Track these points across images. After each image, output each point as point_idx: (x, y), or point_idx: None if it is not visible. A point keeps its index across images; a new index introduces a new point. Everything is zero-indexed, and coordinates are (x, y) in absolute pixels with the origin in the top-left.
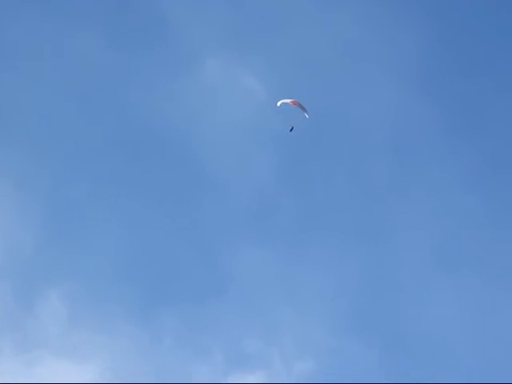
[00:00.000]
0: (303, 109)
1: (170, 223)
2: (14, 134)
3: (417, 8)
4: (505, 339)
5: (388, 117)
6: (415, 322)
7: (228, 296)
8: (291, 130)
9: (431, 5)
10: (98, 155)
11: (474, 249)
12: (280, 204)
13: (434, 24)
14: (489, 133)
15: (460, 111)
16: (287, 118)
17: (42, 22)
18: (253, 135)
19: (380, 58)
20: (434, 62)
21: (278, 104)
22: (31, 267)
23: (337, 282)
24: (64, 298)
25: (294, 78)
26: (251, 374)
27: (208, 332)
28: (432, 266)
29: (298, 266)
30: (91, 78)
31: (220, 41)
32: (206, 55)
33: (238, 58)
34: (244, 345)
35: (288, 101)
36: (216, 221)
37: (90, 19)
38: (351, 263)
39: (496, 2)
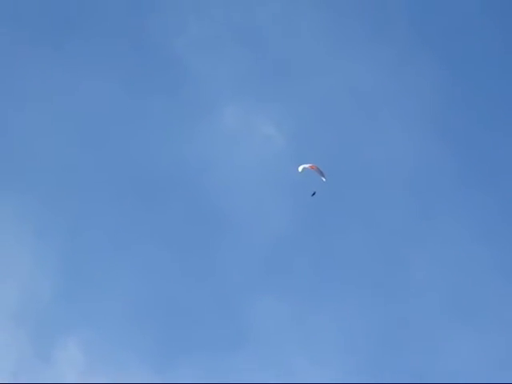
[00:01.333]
0: (321, 173)
1: (186, 270)
2: (28, 180)
3: (430, 52)
4: None
5: (403, 165)
6: (429, 374)
7: (245, 346)
8: (313, 194)
9: (445, 48)
10: (113, 201)
11: (490, 298)
12: (296, 254)
13: (448, 68)
14: (505, 180)
15: (475, 158)
16: (308, 181)
17: (55, 65)
18: (270, 182)
19: (394, 104)
20: (449, 107)
21: (300, 169)
22: (48, 315)
23: (351, 333)
24: (81, 346)
25: (311, 126)
26: None
27: (225, 382)
28: (447, 317)
29: (313, 318)
30: (106, 123)
31: (238, 87)
32: (223, 101)
33: (256, 105)
34: None
35: (307, 166)
36: (232, 268)
37: (105, 63)
38: (366, 315)
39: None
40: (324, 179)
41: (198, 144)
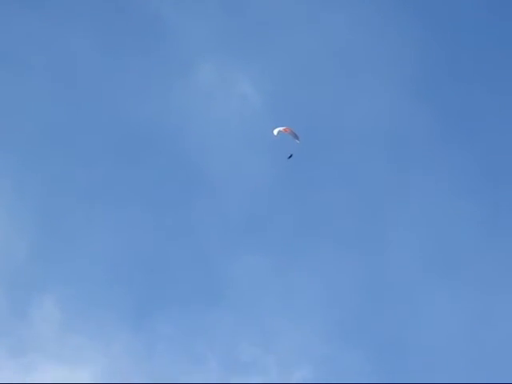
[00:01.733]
0: (295, 135)
1: (164, 227)
2: (6, 137)
3: (412, 11)
4: (498, 342)
5: (383, 122)
6: (409, 327)
7: (224, 302)
8: (290, 157)
9: (426, 9)
10: (91, 159)
11: (468, 253)
12: (276, 210)
13: (429, 27)
14: (483, 138)
15: (455, 116)
16: (284, 143)
17: (33, 22)
18: (247, 140)
19: (375, 63)
20: (430, 67)
21: (275, 133)
22: (25, 273)
23: (332, 289)
24: (58, 303)
25: (289, 84)
26: (248, 382)
27: (203, 339)
28: (426, 271)
29: (293, 273)
30: (85, 81)
31: (215, 45)
32: (201, 59)
33: (234, 63)
34: (240, 352)
35: (282, 128)
36: (211, 226)
37: (84, 21)
38: (346, 270)
39: (493, 7)
40: (298, 141)
41: (174, 101)
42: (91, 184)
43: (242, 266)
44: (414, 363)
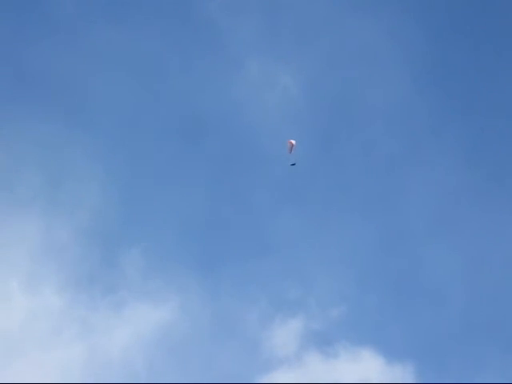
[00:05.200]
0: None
1: (223, 194)
2: (94, 123)
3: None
4: (490, 285)
5: (397, 104)
6: (418, 271)
7: (271, 253)
8: (293, 164)
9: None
10: (165, 142)
11: (465, 214)
12: (312, 179)
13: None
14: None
15: (462, 94)
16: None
17: (118, 27)
18: (289, 122)
19: (391, 56)
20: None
21: (288, 152)
22: (116, 231)
23: (356, 242)
24: (142, 254)
25: (322, 75)
26: (292, 318)
27: (256, 283)
28: (432, 227)
29: (326, 229)
30: (158, 75)
31: (261, 44)
32: (250, 56)
33: (276, 59)
34: (285, 293)
35: (289, 145)
36: (261, 191)
37: (158, 27)
38: (368, 227)
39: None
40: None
41: (230, 91)
42: (165, 162)
43: (285, 225)
44: (421, 299)
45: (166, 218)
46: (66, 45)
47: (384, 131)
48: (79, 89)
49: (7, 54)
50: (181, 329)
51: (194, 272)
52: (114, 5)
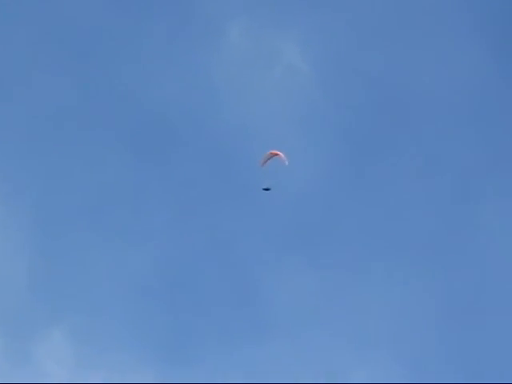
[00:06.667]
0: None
1: (197, 238)
2: None
3: None
4: None
5: (470, 95)
6: (499, 359)
7: (273, 335)
8: (267, 189)
9: None
10: (104, 154)
11: None
12: (331, 211)
13: None
14: None
15: None
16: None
17: None
18: (297, 120)
19: (441, 22)
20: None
21: (261, 164)
22: (24, 305)
23: (407, 314)
24: (68, 337)
25: (340, 49)
26: None
27: (250, 380)
28: None
29: (355, 292)
30: (104, 53)
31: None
32: (231, 21)
33: (271, 25)
34: None
35: (267, 155)
36: (254, 234)
37: None
38: (425, 288)
39: None
40: (287, 162)
41: (207, 76)
42: (100, 184)
43: (293, 286)
44: None
45: (104, 279)
46: None
47: (448, 135)
48: None
49: None
50: None
51: (148, 367)
52: None
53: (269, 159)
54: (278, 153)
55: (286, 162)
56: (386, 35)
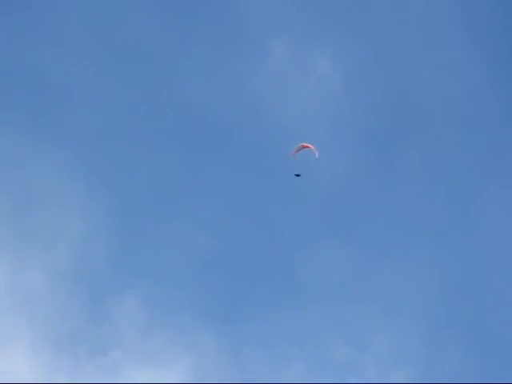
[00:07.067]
0: (312, 149)
1: (243, 223)
2: (76, 133)
3: None
4: None
5: (473, 99)
6: (505, 322)
7: (310, 301)
8: (298, 175)
9: None
10: (164, 152)
11: None
12: (360, 199)
13: None
14: None
15: None
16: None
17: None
18: (330, 124)
19: (455, 38)
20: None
21: (292, 154)
22: (104, 275)
23: (427, 285)
24: (139, 304)
25: (368, 62)
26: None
27: (291, 339)
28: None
29: (384, 268)
30: (154, 70)
31: (288, 22)
32: (274, 38)
33: (309, 41)
34: (331, 353)
35: (298, 146)
36: (293, 218)
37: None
38: (438, 264)
39: None
40: (317, 155)
41: (251, 85)
42: (164, 181)
43: (326, 263)
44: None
45: (169, 255)
46: (37, 37)
47: (458, 134)
48: (50, 86)
49: None
50: None
51: (208, 326)
52: None
53: (300, 150)
54: (309, 145)
55: (317, 154)
56: (401, 49)
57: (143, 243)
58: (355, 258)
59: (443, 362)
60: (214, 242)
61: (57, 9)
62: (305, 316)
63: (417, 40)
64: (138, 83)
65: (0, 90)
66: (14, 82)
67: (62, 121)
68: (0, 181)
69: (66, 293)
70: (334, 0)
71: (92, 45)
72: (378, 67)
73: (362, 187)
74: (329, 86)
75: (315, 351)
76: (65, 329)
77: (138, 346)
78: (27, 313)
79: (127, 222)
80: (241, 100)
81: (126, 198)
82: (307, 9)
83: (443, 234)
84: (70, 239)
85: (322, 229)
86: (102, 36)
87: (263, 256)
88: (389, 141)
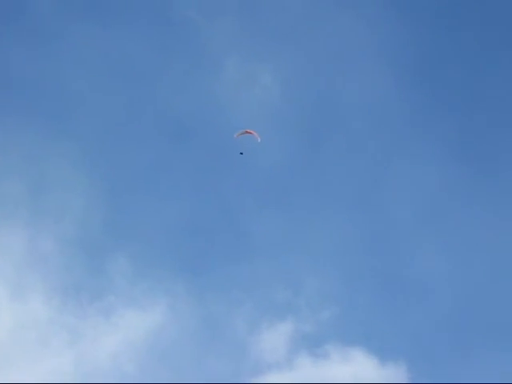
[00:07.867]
0: (254, 134)
1: (206, 198)
2: (77, 131)
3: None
4: (478, 281)
5: (380, 101)
6: (407, 270)
7: (256, 255)
8: (241, 153)
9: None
10: (148, 145)
11: (452, 211)
12: (294, 178)
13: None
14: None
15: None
16: (242, 143)
17: (94, 32)
18: (270, 122)
19: (373, 56)
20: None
21: (236, 136)
22: (101, 239)
23: (341, 240)
24: (129, 260)
25: (302, 74)
26: (281, 321)
27: (241, 286)
28: (416, 225)
29: (310, 229)
30: (140, 80)
31: (238, 43)
32: (227, 56)
33: (255, 58)
34: (273, 296)
35: (242, 131)
36: (243, 190)
37: (138, 28)
38: (351, 225)
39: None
40: (259, 139)
41: (209, 91)
42: (149, 168)
43: (269, 227)
44: (411, 295)
45: (152, 223)
46: (44, 49)
47: (368, 128)
48: (60, 96)
49: None
50: (169, 333)
51: (181, 276)
52: (92, 6)
53: (243, 134)
54: (252, 132)
55: (259, 139)
56: (327, 64)
57: (131, 215)
58: (292, 221)
59: (361, 300)
60: (184, 213)
61: (74, 36)
62: (253, 267)
63: (337, 57)
64: (128, 92)
65: (18, 98)
66: (30, 92)
67: (68, 122)
68: (19, 168)
69: (71, 254)
70: (273, 26)
71: (96, 66)
72: (308, 78)
73: (296, 168)
74: (269, 93)
75: (261, 295)
76: (70, 280)
77: (127, 292)
78: (41, 269)
79: (118, 200)
80: (203, 105)
81: (117, 181)
82: (253, 33)
83: (359, 200)
84: (74, 213)
85: (265, 199)
86: (104, 61)
87: (221, 222)
88: (316, 134)
